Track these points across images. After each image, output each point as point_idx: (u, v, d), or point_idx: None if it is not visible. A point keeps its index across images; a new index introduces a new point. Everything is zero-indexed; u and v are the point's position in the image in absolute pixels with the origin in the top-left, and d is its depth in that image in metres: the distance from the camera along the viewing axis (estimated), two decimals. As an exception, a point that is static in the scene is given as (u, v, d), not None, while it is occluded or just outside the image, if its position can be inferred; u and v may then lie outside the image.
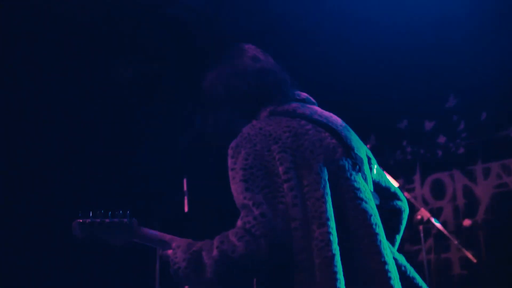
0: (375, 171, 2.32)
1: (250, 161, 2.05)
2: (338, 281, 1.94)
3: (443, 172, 6.80)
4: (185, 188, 4.97)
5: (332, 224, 2.00)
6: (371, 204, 2.11)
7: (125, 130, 5.93)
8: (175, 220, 5.37)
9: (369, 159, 2.29)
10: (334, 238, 1.99)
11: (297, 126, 2.15)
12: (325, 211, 2.01)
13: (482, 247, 6.25)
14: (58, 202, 5.24)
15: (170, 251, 2.15)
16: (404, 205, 2.42)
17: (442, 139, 6.82)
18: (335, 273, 1.94)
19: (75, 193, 5.35)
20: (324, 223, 1.99)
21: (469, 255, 4.99)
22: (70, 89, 5.53)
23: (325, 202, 2.02)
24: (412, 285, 2.18)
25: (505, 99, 6.32)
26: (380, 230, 2.07)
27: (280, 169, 2.04)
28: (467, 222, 6.15)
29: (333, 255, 1.96)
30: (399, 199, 2.42)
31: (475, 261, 5.01)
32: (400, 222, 2.41)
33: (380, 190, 2.33)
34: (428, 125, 6.94)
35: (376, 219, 2.08)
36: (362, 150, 2.26)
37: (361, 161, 2.20)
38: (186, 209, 4.93)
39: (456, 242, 5.09)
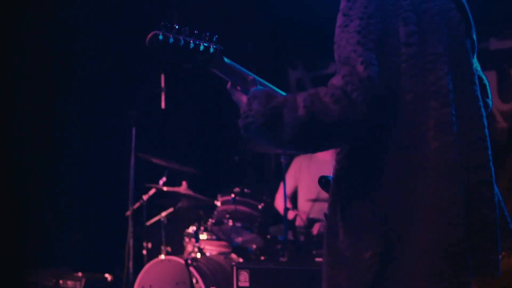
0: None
1: (370, 10, 1.71)
2: (458, 171, 1.69)
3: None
4: (162, 84, 4.94)
5: (454, 106, 1.73)
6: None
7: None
8: (151, 115, 5.40)
9: (476, 42, 2.00)
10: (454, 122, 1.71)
11: None
12: (451, 91, 1.73)
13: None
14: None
15: (244, 98, 1.84)
16: (490, 102, 2.11)
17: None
18: (455, 161, 1.69)
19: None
20: (450, 103, 1.71)
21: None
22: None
23: (449, 80, 1.73)
24: (501, 213, 1.93)
25: (485, 11, 6.29)
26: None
27: (403, 29, 1.72)
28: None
29: (454, 141, 1.69)
30: (487, 94, 2.09)
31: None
32: None
33: None
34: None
35: (483, 110, 1.84)
36: (474, 31, 1.98)
37: (475, 43, 1.94)
38: (163, 106, 4.92)
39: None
